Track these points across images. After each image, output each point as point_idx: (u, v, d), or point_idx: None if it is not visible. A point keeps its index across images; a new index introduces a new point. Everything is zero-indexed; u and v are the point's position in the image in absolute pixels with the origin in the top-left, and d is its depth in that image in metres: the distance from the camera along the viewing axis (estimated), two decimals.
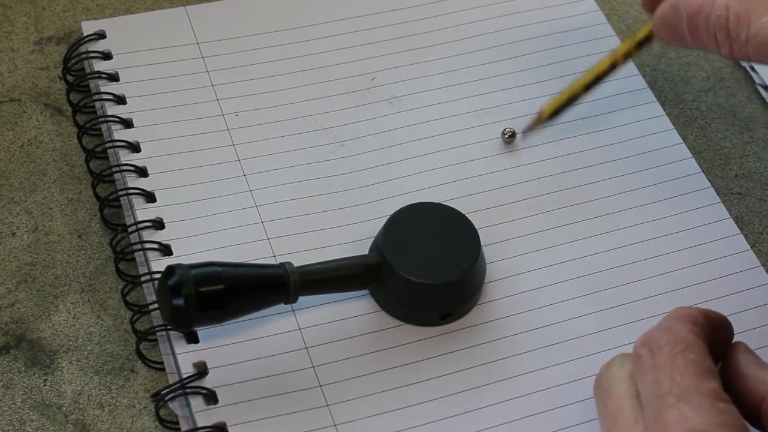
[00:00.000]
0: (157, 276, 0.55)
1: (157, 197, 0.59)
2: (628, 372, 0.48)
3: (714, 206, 0.62)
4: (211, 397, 0.52)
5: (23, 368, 0.54)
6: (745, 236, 0.61)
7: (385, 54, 0.67)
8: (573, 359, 0.55)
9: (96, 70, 0.64)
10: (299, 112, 0.63)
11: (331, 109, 0.64)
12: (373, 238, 0.57)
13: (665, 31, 0.56)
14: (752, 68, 0.68)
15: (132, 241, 0.58)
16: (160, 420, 0.53)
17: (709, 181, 0.63)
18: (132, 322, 0.55)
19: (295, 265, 0.53)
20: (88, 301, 0.57)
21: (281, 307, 0.54)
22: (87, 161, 0.61)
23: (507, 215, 0.60)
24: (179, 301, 0.50)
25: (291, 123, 0.63)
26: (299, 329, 0.55)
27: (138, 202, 0.59)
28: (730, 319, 0.50)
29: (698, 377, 0.45)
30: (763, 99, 0.67)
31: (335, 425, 0.52)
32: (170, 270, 0.51)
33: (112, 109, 0.62)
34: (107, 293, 0.57)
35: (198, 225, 0.58)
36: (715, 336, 0.48)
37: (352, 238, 0.58)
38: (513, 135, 0.63)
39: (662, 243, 0.60)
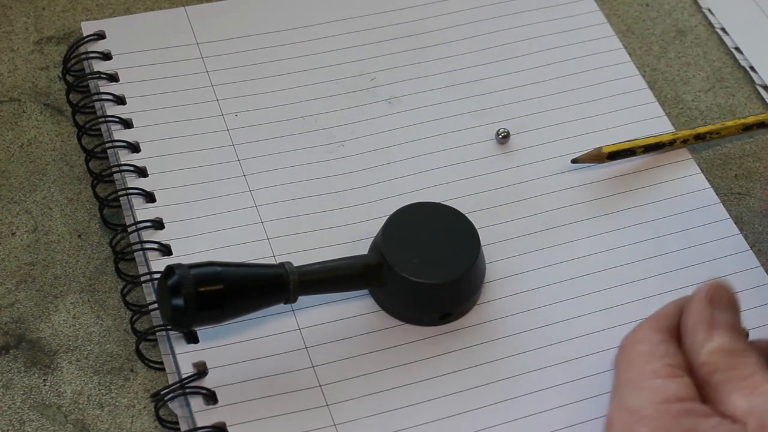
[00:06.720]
0: (157, 276, 0.55)
1: (156, 197, 0.59)
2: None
3: (714, 206, 0.62)
4: (210, 397, 0.52)
5: (23, 368, 0.54)
6: (745, 236, 0.61)
7: (385, 54, 0.66)
8: (573, 359, 0.55)
9: (96, 70, 0.64)
10: (299, 112, 0.63)
11: (331, 109, 0.64)
12: (372, 238, 0.57)
13: None
14: (752, 68, 0.68)
15: (132, 241, 0.58)
16: (160, 420, 0.53)
17: (709, 181, 0.63)
18: (132, 322, 0.55)
19: (295, 265, 0.53)
20: (88, 301, 0.57)
21: (281, 307, 0.54)
22: (87, 161, 0.61)
23: (506, 215, 0.60)
24: (179, 301, 0.50)
25: (290, 123, 0.63)
26: (299, 329, 0.55)
27: (137, 202, 0.59)
28: None
29: (643, 364, 0.47)
30: (763, 99, 0.67)
31: (335, 425, 0.52)
32: (170, 270, 0.50)
33: (111, 110, 0.62)
34: (107, 293, 0.57)
35: (198, 225, 0.58)
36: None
37: (352, 238, 0.58)
38: (507, 136, 0.63)
39: (662, 243, 0.60)
